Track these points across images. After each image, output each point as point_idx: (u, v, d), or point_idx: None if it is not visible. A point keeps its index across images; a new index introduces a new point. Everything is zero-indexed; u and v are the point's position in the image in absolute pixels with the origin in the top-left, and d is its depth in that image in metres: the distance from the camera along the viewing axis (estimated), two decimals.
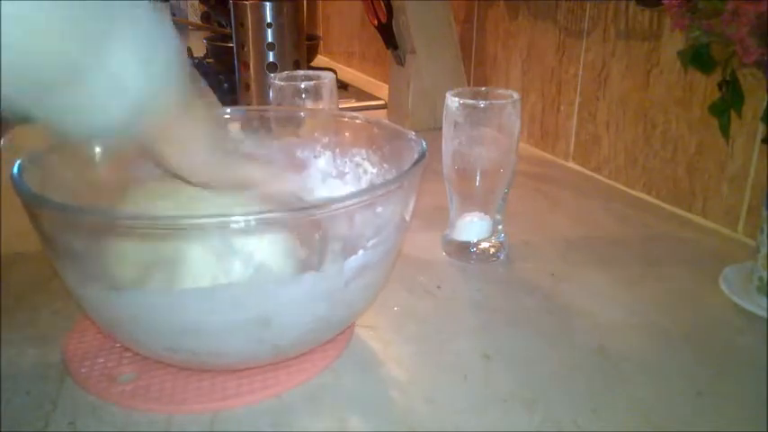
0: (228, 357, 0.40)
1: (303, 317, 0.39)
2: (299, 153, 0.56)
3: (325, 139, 0.55)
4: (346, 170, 0.55)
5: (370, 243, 0.41)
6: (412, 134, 0.48)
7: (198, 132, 0.40)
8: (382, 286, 0.47)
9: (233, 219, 0.34)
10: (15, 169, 0.39)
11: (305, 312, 0.39)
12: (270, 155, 0.55)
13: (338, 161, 0.55)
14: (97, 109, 0.33)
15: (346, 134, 0.55)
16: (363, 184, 0.54)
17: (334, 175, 0.55)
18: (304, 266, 0.41)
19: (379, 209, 0.42)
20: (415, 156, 0.44)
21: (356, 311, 0.45)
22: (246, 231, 0.37)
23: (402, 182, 0.41)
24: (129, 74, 0.33)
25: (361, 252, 0.40)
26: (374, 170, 0.53)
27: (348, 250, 0.41)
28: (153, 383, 0.41)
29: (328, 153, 0.56)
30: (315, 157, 0.56)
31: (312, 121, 0.57)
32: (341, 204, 0.37)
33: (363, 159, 0.54)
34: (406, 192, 0.42)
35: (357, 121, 0.54)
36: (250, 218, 0.34)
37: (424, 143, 0.46)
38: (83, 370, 0.42)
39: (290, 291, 0.38)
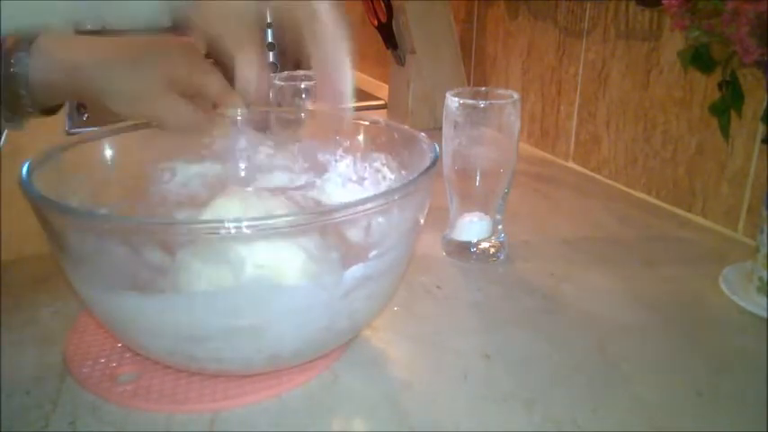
0: (228, 364, 0.40)
1: (301, 327, 0.39)
2: (320, 156, 0.55)
3: (347, 143, 0.54)
4: (366, 175, 0.54)
5: (372, 254, 0.40)
6: (427, 140, 0.46)
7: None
8: (388, 298, 0.46)
9: (228, 225, 0.33)
10: (24, 170, 0.38)
11: (302, 322, 0.38)
12: (291, 157, 0.54)
13: (358, 166, 0.54)
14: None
15: (367, 138, 0.54)
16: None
17: (354, 179, 0.54)
18: (306, 275, 0.40)
19: (380, 219, 0.40)
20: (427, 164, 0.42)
21: (360, 323, 0.44)
22: (241, 238, 0.36)
23: (397, 195, 0.39)
24: None
25: (361, 263, 0.39)
26: (392, 176, 0.52)
27: (349, 261, 0.40)
28: (153, 383, 0.41)
29: (349, 157, 0.54)
30: (336, 160, 0.55)
31: (315, 122, 0.57)
32: (338, 214, 0.36)
33: (383, 165, 0.53)
34: (410, 202, 0.41)
35: (378, 125, 0.53)
36: (241, 225, 0.33)
37: (437, 151, 0.44)
38: (83, 370, 0.42)
39: (285, 299, 0.37)
